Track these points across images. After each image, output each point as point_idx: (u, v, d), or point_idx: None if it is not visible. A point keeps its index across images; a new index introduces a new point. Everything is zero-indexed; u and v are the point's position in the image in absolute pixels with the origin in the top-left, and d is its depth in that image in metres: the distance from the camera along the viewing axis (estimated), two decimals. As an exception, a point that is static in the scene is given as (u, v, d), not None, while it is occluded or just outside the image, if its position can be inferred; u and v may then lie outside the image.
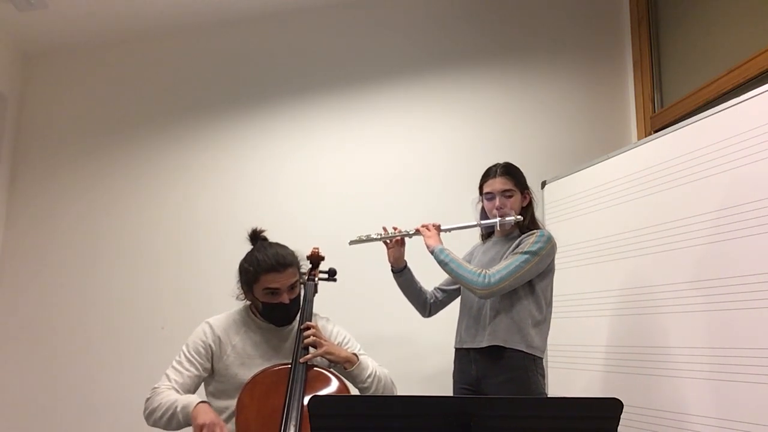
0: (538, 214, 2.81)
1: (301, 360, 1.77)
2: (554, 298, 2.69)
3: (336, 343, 1.94)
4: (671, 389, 2.04)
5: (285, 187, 3.10)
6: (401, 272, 2.22)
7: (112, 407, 2.87)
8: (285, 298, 1.81)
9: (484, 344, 2.01)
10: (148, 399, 1.73)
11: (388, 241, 2.18)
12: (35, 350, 2.99)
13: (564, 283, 2.63)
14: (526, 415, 1.20)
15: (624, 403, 1.17)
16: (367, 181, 3.08)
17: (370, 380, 1.84)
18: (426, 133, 3.13)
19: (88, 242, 3.09)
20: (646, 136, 2.84)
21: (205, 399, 1.71)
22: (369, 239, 2.16)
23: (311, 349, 1.81)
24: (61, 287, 3.05)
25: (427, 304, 2.29)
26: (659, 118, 2.89)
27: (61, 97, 3.25)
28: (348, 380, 1.84)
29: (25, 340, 3.00)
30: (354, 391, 1.86)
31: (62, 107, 3.24)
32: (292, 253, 1.86)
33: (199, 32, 3.26)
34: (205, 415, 1.60)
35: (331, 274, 2.14)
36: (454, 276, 2.02)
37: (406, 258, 2.23)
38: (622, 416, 1.17)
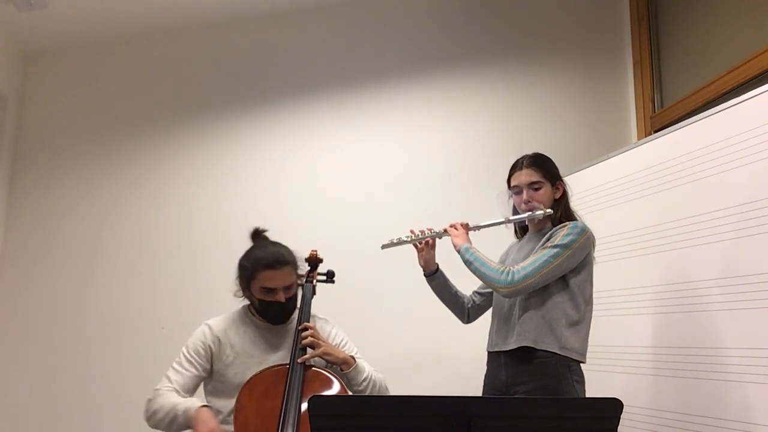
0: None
1: (299, 360, 1.77)
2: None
3: (333, 344, 1.94)
4: (668, 389, 2.04)
5: (285, 187, 3.10)
6: (433, 276, 2.12)
7: (112, 407, 2.87)
8: (281, 297, 1.82)
9: (513, 345, 1.88)
10: (149, 401, 1.74)
11: (418, 243, 2.10)
12: (35, 350, 2.99)
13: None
14: (526, 415, 1.20)
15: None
16: (367, 182, 3.08)
17: (365, 383, 1.85)
18: (426, 133, 3.12)
19: (88, 242, 3.09)
20: (646, 136, 2.84)
21: (206, 403, 1.71)
22: (400, 242, 2.09)
23: (309, 350, 1.81)
24: (60, 287, 3.05)
25: (465, 309, 2.17)
26: (659, 118, 2.89)
27: (61, 97, 3.25)
28: (342, 375, 1.84)
29: (25, 340, 3.00)
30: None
31: (62, 107, 3.24)
32: (290, 252, 1.87)
33: (199, 32, 3.26)
34: (205, 425, 1.61)
35: (330, 276, 2.14)
36: (478, 275, 1.92)
37: (441, 264, 2.14)
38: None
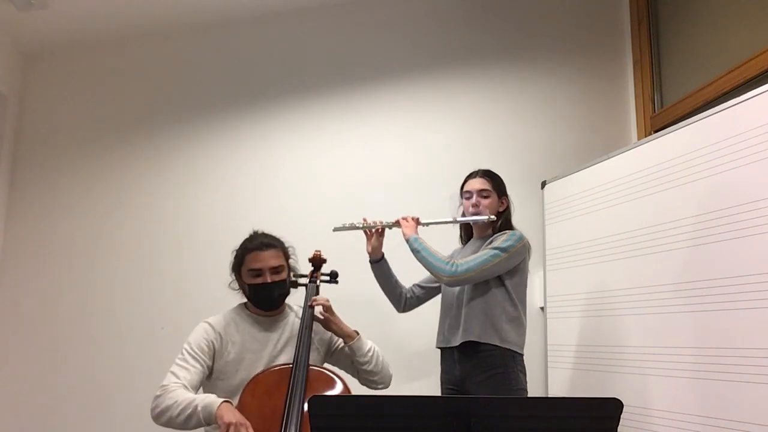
0: (537, 214, 2.83)
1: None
2: (553, 298, 2.70)
3: (334, 342, 1.99)
4: (668, 389, 2.04)
5: (285, 187, 3.10)
6: (378, 263, 2.30)
7: (113, 407, 2.86)
8: (267, 278, 1.87)
9: (460, 341, 2.09)
10: (158, 397, 1.69)
11: (368, 231, 2.28)
12: (35, 351, 2.99)
13: (564, 283, 2.63)
14: (526, 415, 1.20)
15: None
16: (367, 181, 3.08)
17: (370, 354, 1.91)
18: (426, 132, 3.12)
19: (88, 242, 3.09)
20: (646, 136, 2.85)
21: (227, 399, 1.69)
22: (352, 227, 2.25)
23: (319, 313, 1.92)
24: (60, 287, 3.05)
25: (402, 298, 2.35)
26: (659, 118, 2.89)
27: (61, 97, 3.25)
28: (347, 357, 1.93)
29: (25, 340, 3.00)
30: (354, 391, 1.86)
31: (62, 107, 3.24)
32: (278, 239, 1.96)
33: (199, 32, 3.26)
34: (231, 415, 1.59)
35: (333, 277, 2.15)
36: (424, 264, 2.11)
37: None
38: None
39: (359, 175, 3.09)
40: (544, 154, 3.03)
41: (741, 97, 1.90)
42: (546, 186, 2.84)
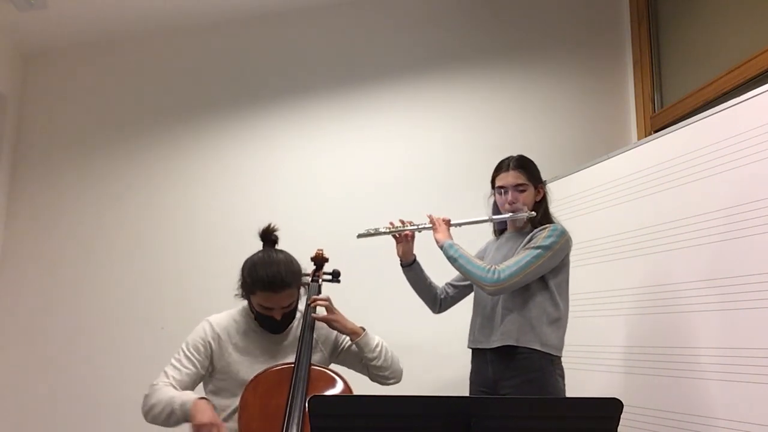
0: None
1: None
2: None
3: (340, 341, 1.97)
4: (668, 389, 2.04)
5: (285, 187, 3.10)
6: (410, 266, 2.16)
7: (112, 407, 2.87)
8: (277, 315, 1.79)
9: (496, 344, 1.96)
10: (146, 396, 1.73)
11: (397, 234, 2.13)
12: (34, 351, 2.99)
13: (564, 283, 2.63)
14: (526, 415, 1.20)
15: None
16: (368, 181, 3.08)
17: (378, 350, 1.87)
18: (426, 132, 3.13)
19: (88, 242, 3.09)
20: (646, 136, 2.85)
21: (203, 396, 1.69)
22: (377, 233, 2.10)
23: (321, 312, 1.87)
24: (60, 287, 3.05)
25: (437, 300, 2.23)
26: (659, 118, 2.89)
27: (61, 97, 3.25)
28: (356, 356, 1.90)
29: (25, 340, 3.00)
30: (356, 390, 1.86)
31: (62, 107, 3.24)
32: (294, 272, 1.78)
33: (198, 32, 3.26)
34: (203, 414, 1.59)
35: (335, 276, 2.13)
36: (463, 272, 1.97)
37: (417, 254, 2.18)
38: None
39: (359, 175, 3.09)
40: (544, 154, 3.01)
41: (741, 97, 1.90)
42: (546, 186, 2.84)
